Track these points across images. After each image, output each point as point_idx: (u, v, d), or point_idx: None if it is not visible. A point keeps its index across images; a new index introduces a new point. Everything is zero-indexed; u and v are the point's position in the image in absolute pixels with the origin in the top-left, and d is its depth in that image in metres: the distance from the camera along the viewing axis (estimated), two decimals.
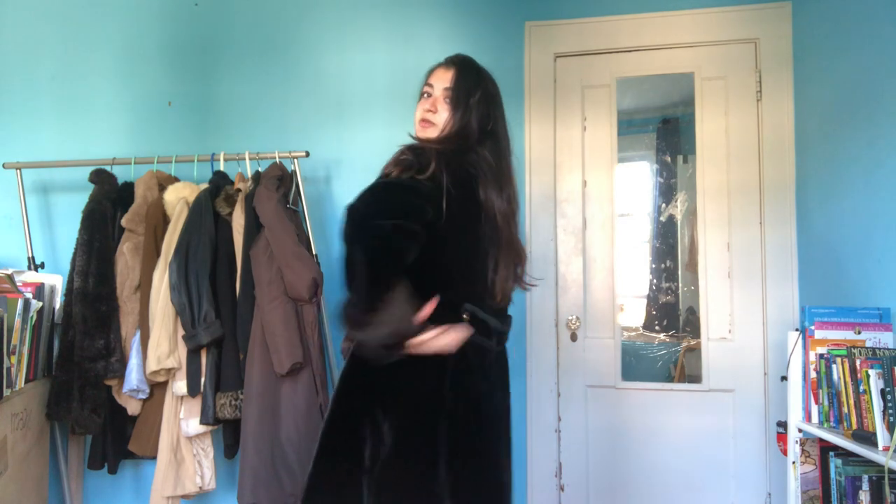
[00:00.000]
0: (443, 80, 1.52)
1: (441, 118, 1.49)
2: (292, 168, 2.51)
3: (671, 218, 2.77)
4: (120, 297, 2.40)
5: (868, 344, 1.84)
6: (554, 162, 2.70)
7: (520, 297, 2.56)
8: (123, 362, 2.36)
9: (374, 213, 1.28)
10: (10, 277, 2.28)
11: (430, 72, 1.59)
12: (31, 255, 2.63)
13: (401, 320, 1.27)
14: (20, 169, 2.64)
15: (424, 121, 1.51)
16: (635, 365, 2.72)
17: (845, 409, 1.73)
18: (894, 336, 1.86)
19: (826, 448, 1.82)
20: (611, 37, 2.67)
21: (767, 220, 2.55)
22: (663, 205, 2.78)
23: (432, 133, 1.49)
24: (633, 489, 2.59)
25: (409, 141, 1.52)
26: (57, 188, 2.88)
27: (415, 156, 1.37)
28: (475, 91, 1.50)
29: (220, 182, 2.46)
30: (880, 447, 1.56)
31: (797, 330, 1.98)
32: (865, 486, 1.65)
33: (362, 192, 1.32)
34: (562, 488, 2.63)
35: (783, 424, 2.18)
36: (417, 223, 1.30)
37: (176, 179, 2.54)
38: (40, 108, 2.90)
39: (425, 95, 1.55)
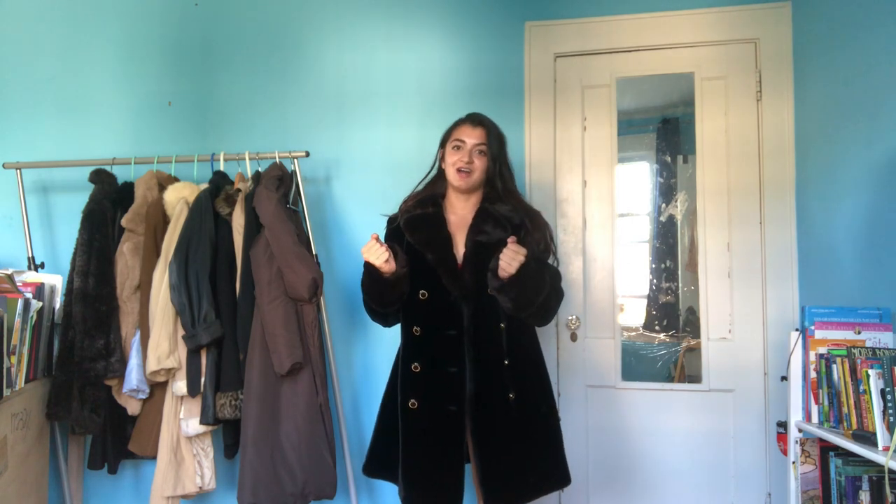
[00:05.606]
0: (473, 137, 1.91)
1: (477, 167, 1.90)
2: (292, 168, 2.51)
3: (671, 218, 2.77)
4: (120, 297, 2.40)
5: (868, 344, 1.84)
6: (554, 162, 2.70)
7: None
8: (123, 362, 2.36)
9: None
10: (10, 277, 2.28)
11: (456, 126, 1.97)
12: (31, 255, 2.63)
13: None
14: (20, 169, 2.64)
15: (462, 171, 1.88)
16: (635, 365, 2.72)
17: (845, 409, 1.73)
18: (894, 336, 1.86)
19: (826, 448, 1.82)
20: (611, 37, 2.67)
21: (767, 220, 2.55)
22: (663, 205, 2.78)
23: (468, 181, 1.89)
24: (633, 489, 2.59)
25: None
26: (57, 188, 2.88)
27: None
28: (503, 148, 1.95)
29: (220, 182, 2.46)
30: (880, 447, 1.56)
31: (797, 330, 1.98)
32: (865, 486, 1.65)
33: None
34: None
35: (783, 424, 2.18)
36: None
37: (176, 179, 2.54)
38: (40, 108, 2.90)
39: (454, 147, 1.92)
